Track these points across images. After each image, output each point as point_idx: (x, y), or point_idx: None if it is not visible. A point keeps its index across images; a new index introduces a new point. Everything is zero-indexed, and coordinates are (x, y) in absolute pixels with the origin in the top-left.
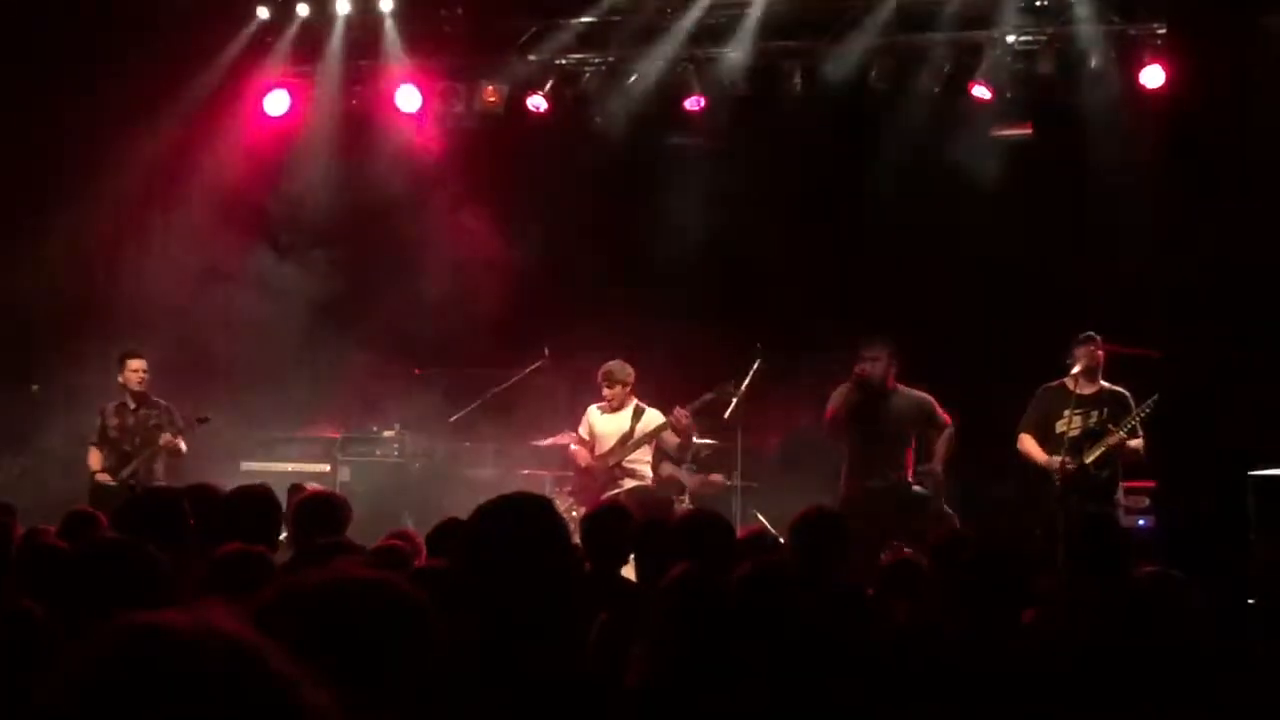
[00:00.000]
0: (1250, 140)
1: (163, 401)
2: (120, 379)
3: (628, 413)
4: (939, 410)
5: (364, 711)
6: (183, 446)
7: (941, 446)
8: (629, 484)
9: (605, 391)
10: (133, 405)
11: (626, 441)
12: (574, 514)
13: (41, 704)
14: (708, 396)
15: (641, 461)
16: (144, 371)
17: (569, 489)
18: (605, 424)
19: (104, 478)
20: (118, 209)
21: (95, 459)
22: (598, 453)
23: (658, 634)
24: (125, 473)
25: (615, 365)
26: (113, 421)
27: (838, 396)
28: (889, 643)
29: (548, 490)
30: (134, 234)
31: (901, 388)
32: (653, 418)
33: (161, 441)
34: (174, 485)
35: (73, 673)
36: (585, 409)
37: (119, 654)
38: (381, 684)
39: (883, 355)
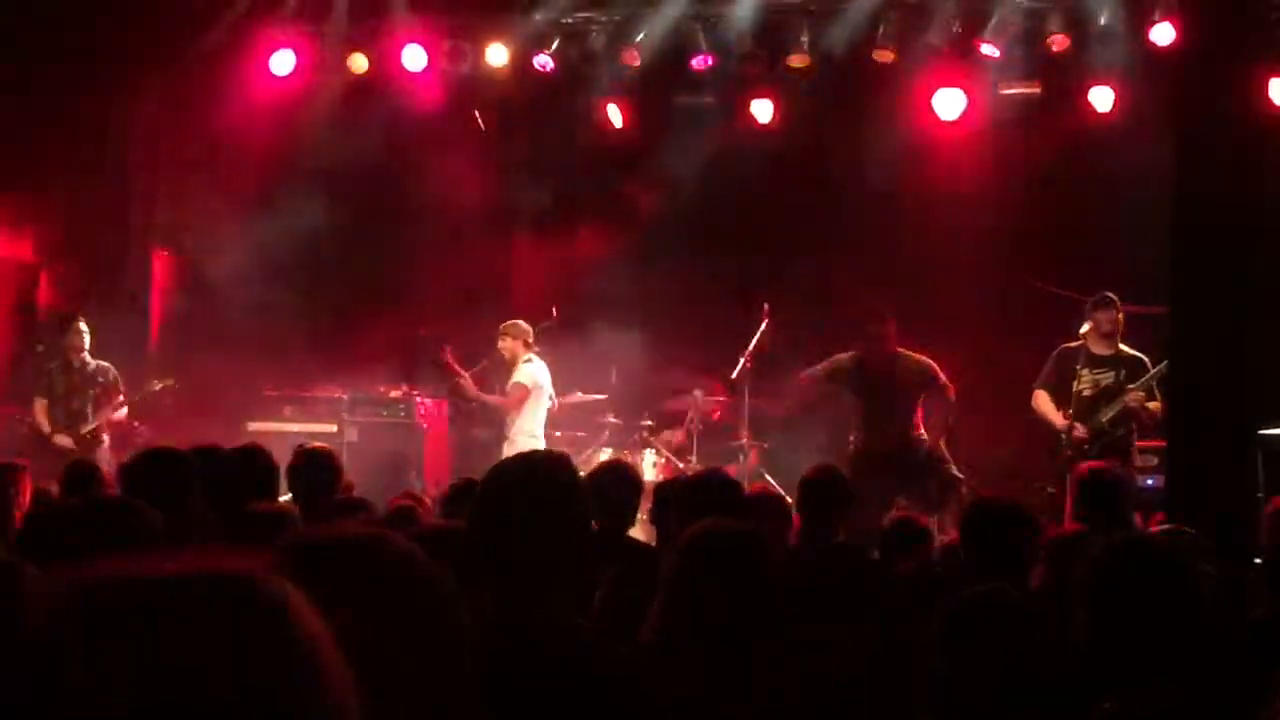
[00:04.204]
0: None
1: (98, 362)
2: (65, 341)
3: None
4: (940, 374)
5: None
6: (123, 413)
7: (939, 418)
8: None
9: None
10: (77, 365)
11: None
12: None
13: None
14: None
15: None
16: (87, 334)
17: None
18: None
19: (62, 439)
20: (122, 168)
21: (43, 416)
22: None
23: (672, 590)
24: (85, 429)
25: None
26: (60, 379)
27: (830, 363)
28: (891, 599)
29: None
30: (139, 193)
31: (903, 352)
32: None
33: (96, 423)
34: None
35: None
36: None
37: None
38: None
39: (888, 323)
